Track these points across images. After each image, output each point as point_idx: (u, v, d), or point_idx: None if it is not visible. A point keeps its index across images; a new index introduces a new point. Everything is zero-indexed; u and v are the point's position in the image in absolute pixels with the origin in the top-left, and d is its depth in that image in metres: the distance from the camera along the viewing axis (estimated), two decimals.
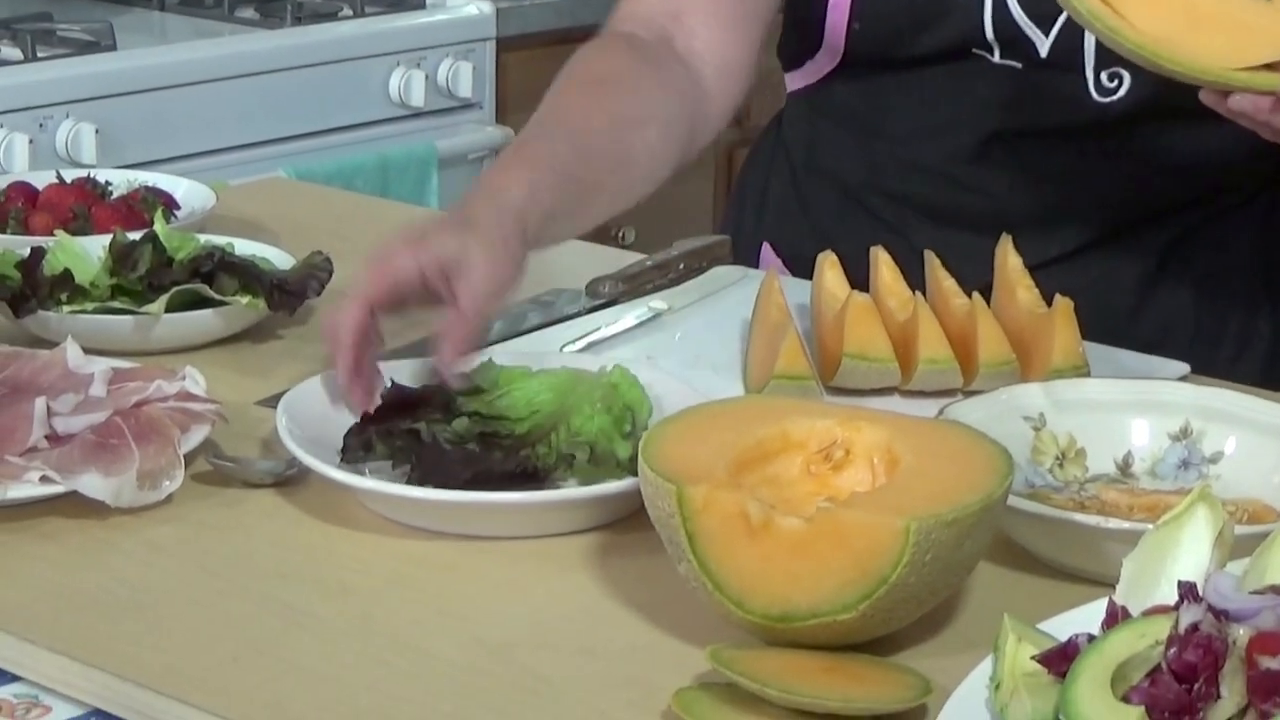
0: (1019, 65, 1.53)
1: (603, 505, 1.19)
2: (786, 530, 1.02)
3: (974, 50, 1.55)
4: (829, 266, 1.48)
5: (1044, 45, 1.52)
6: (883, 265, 1.47)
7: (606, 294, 1.59)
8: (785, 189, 1.74)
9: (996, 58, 1.54)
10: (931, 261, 1.48)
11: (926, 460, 1.08)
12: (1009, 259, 1.45)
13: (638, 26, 1.59)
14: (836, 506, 1.03)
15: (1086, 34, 1.47)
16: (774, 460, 1.11)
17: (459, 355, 1.28)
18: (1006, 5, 1.52)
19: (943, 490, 1.04)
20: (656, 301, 1.57)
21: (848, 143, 1.67)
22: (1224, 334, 1.60)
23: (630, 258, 1.69)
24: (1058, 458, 1.25)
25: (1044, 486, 1.23)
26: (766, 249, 1.74)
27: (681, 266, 1.64)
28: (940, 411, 1.23)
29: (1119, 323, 1.53)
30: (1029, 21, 1.52)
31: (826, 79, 1.66)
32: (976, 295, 1.41)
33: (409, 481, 1.21)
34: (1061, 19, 1.50)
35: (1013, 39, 1.53)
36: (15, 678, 1.05)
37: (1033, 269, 1.45)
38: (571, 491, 1.19)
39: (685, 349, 1.48)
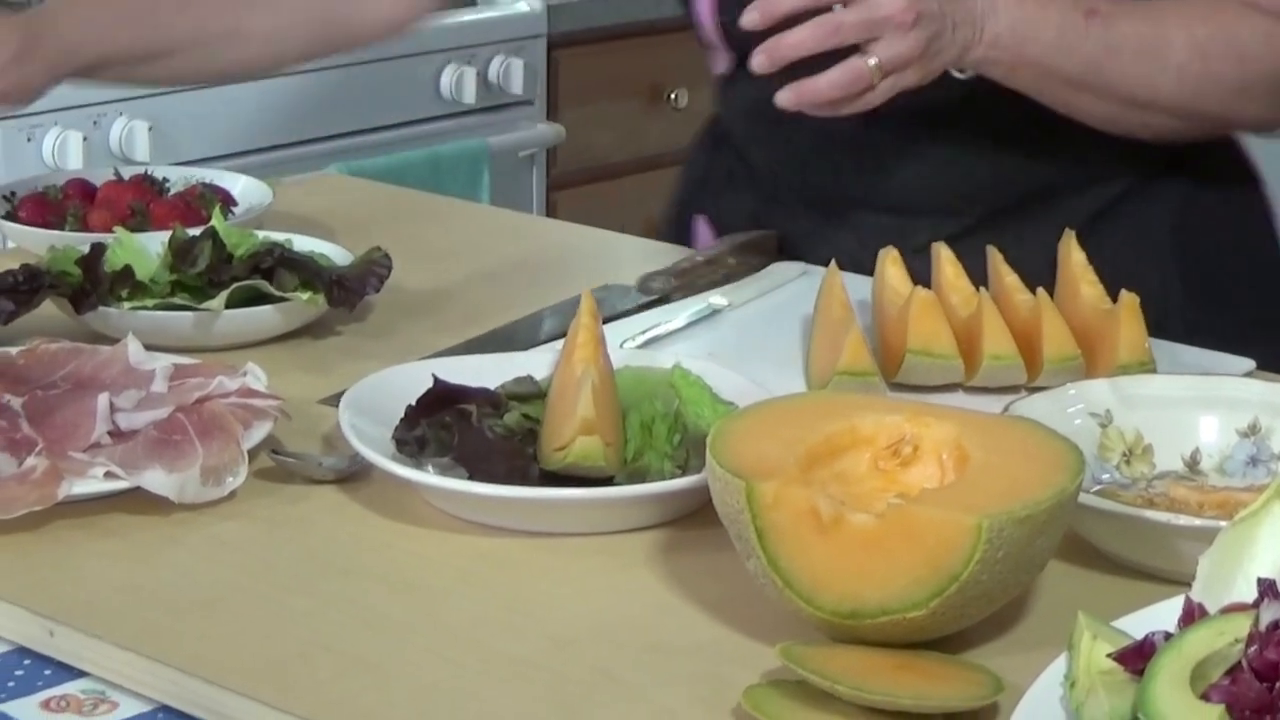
0: None
1: (667, 502, 1.18)
2: (857, 527, 1.01)
3: None
4: (890, 263, 1.47)
5: None
6: (945, 261, 1.46)
7: (659, 289, 1.59)
8: (721, 167, 1.80)
9: None
10: (994, 257, 1.47)
11: (996, 456, 1.07)
12: (1073, 254, 1.44)
13: None
14: (907, 503, 1.02)
15: None
16: (842, 456, 1.10)
17: None
18: None
19: (1014, 487, 1.03)
20: (716, 298, 1.57)
21: (753, 134, 1.72)
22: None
23: (679, 253, 1.69)
24: (1124, 454, 1.24)
25: (1111, 483, 1.22)
26: (700, 222, 1.79)
27: (732, 261, 1.64)
28: (1006, 408, 1.22)
29: None
30: None
31: (733, 74, 1.71)
32: (1041, 291, 1.40)
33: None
34: None
35: None
36: (83, 673, 1.05)
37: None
38: (635, 488, 1.18)
39: (746, 345, 1.47)
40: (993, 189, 1.63)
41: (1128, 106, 1.55)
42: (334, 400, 1.31)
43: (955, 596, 1.00)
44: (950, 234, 1.60)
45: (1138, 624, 0.93)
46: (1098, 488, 1.20)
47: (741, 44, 1.64)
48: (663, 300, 1.58)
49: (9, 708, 1.01)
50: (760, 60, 1.41)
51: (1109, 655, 0.88)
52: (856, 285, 1.49)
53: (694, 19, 1.72)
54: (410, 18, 1.69)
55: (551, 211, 3.16)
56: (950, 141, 1.61)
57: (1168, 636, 0.88)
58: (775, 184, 1.72)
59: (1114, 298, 1.40)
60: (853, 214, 1.68)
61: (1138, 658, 0.87)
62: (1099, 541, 1.14)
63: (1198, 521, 1.10)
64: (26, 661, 1.06)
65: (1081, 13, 1.49)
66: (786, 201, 1.71)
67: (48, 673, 1.05)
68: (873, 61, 1.42)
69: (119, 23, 1.59)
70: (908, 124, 1.55)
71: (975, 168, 1.63)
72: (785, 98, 1.42)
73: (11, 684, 1.04)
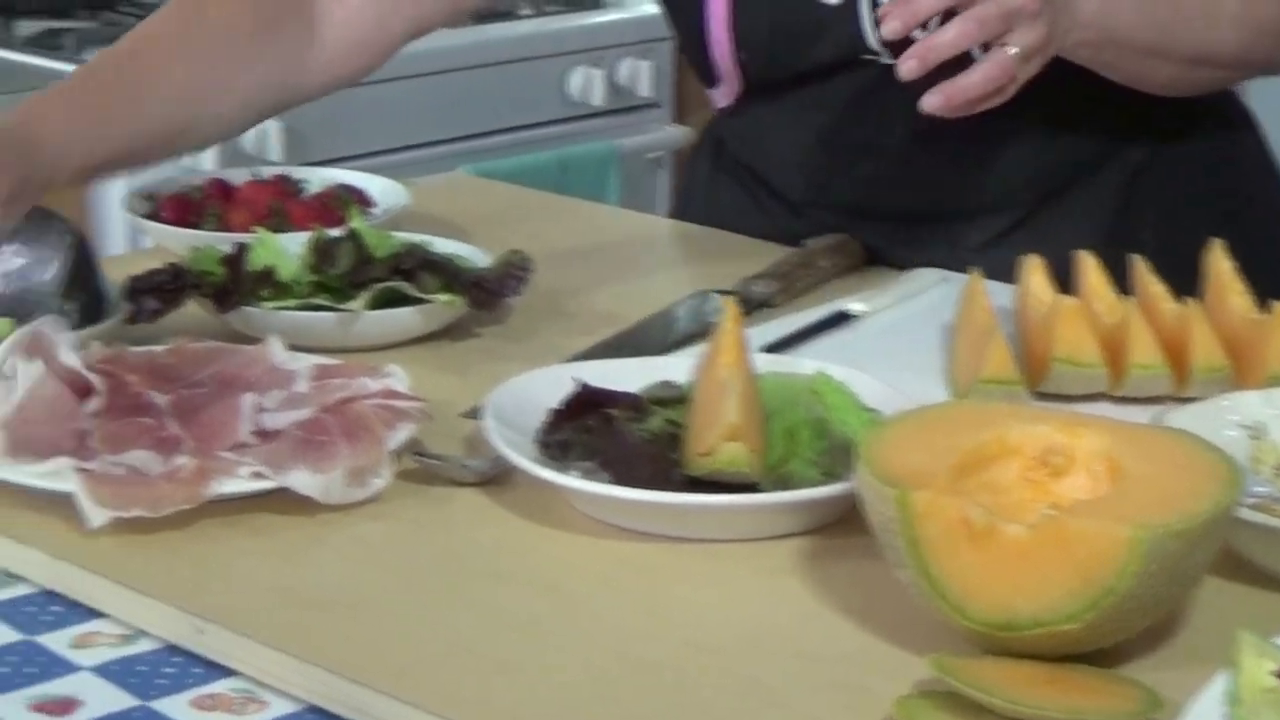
0: None
1: (814, 509, 1.18)
2: (1010, 537, 1.00)
3: (863, 56, 1.59)
4: (1034, 270, 1.46)
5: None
6: (1090, 269, 1.44)
7: (760, 295, 1.58)
8: (728, 191, 1.82)
9: (886, 59, 1.56)
10: (1139, 266, 1.45)
11: (1150, 468, 1.06)
12: (1221, 264, 1.42)
13: None
14: (1061, 514, 1.01)
15: None
16: (991, 466, 1.09)
17: None
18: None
19: (1169, 499, 1.01)
20: (855, 304, 1.56)
21: (779, 158, 1.73)
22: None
23: (760, 254, 1.68)
24: (1276, 468, 1.22)
25: (1266, 497, 1.20)
26: None
27: (824, 264, 1.65)
28: (1156, 418, 1.20)
29: None
30: None
31: (742, 100, 1.73)
32: (1191, 300, 1.38)
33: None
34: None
35: (897, 40, 1.50)
36: (231, 671, 1.05)
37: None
38: (784, 495, 1.17)
39: (884, 352, 1.46)
40: (1035, 177, 1.66)
41: (1190, 66, 1.60)
42: (474, 414, 1.31)
43: (1109, 610, 0.98)
44: (1002, 229, 1.65)
45: None
46: (1252, 501, 1.18)
47: (762, 74, 1.67)
48: (765, 305, 1.57)
49: (160, 705, 1.02)
50: (911, 66, 1.40)
51: (1274, 673, 0.87)
52: (997, 293, 1.47)
53: (699, 57, 1.72)
54: (362, 69, 1.68)
55: None
56: (987, 138, 1.62)
57: None
58: (813, 205, 1.73)
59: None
60: (899, 225, 1.68)
61: None
62: (1254, 556, 1.12)
63: None
64: (176, 659, 1.07)
65: None
66: (823, 221, 1.71)
67: (197, 670, 1.06)
68: (1013, 51, 1.42)
69: (100, 134, 1.49)
70: (946, 128, 1.53)
71: (1018, 157, 1.65)
72: (934, 102, 1.41)
73: (162, 681, 1.04)
